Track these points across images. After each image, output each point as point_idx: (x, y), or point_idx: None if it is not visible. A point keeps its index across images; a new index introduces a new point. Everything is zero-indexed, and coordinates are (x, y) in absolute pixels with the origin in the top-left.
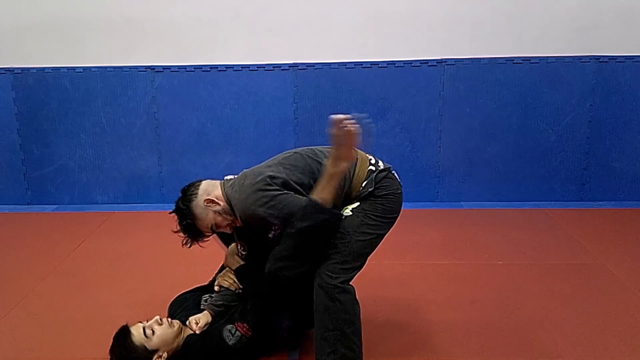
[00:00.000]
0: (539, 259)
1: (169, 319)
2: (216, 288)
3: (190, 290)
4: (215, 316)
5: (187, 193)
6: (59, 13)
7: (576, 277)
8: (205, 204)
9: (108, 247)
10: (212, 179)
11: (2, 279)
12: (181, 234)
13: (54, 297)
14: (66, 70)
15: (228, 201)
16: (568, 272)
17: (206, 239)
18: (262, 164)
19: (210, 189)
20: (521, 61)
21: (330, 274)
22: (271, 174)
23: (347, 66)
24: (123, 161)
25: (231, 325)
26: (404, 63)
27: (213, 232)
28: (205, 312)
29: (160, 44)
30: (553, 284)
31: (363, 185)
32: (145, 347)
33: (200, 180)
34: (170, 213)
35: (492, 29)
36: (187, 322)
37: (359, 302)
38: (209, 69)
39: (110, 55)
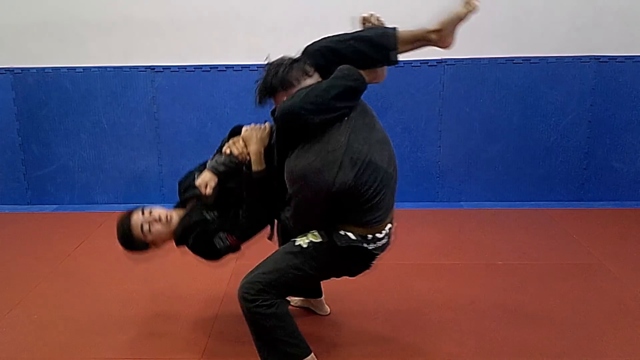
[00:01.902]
0: (539, 259)
1: (168, 215)
2: (225, 151)
3: (196, 167)
4: (217, 176)
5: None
6: (59, 13)
7: (576, 277)
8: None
9: (108, 247)
10: None
11: (2, 279)
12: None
13: (54, 297)
14: (66, 70)
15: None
16: (568, 272)
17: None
18: None
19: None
20: (521, 61)
21: (248, 292)
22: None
23: None
24: (123, 161)
25: (223, 234)
26: (404, 63)
27: None
28: (209, 172)
29: (160, 44)
30: (553, 284)
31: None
32: (142, 240)
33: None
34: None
35: (492, 29)
36: (197, 185)
37: (283, 303)
38: (209, 69)
39: (110, 55)
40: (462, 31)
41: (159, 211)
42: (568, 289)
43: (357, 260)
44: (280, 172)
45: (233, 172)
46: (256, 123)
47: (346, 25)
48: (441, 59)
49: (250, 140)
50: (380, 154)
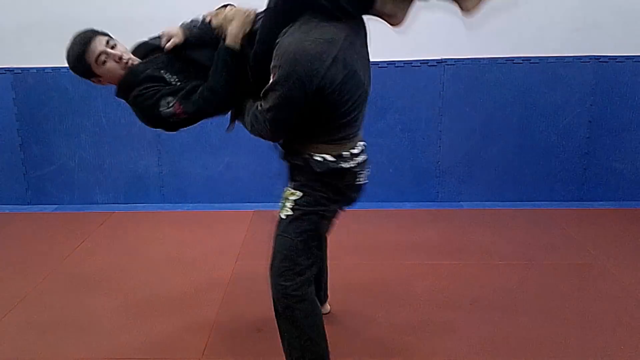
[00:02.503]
0: (539, 259)
1: (130, 60)
2: (206, 18)
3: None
4: (185, 39)
5: None
6: (59, 13)
7: (576, 277)
8: None
9: (108, 247)
10: (213, 178)
11: (2, 279)
12: None
13: (54, 297)
14: (66, 70)
15: None
16: (568, 272)
17: None
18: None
19: None
20: (521, 61)
21: (285, 286)
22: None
23: None
24: (123, 161)
25: (172, 98)
26: (404, 63)
27: None
28: (180, 30)
29: None
30: (553, 284)
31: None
32: (90, 67)
33: None
34: None
35: (492, 29)
36: (160, 34)
37: (317, 306)
38: None
39: None
40: (462, 31)
41: (123, 50)
42: (568, 289)
43: (344, 184)
44: (257, 67)
45: (205, 40)
46: None
47: None
48: (441, 59)
49: (232, 21)
50: (364, 70)
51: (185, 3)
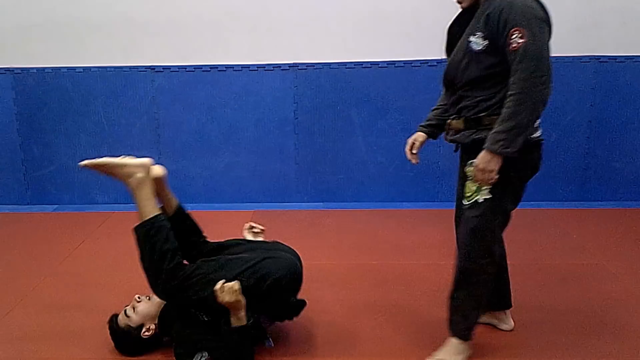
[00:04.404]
0: (539, 259)
1: (147, 296)
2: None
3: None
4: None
5: None
6: (59, 13)
7: (576, 277)
8: None
9: (108, 247)
10: (213, 178)
11: (2, 279)
12: None
13: (54, 298)
14: (66, 70)
15: None
16: (568, 272)
17: None
18: None
19: None
20: None
21: (479, 260)
22: None
23: (347, 66)
24: None
25: (203, 354)
26: (404, 63)
27: None
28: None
29: (160, 44)
30: (553, 284)
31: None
32: (129, 325)
33: None
34: None
35: None
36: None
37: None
38: (209, 69)
39: (110, 55)
40: None
41: (137, 296)
42: (568, 289)
43: (533, 157)
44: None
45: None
46: (256, 123)
47: (345, 24)
48: (441, 59)
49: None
50: None
51: (185, 3)
